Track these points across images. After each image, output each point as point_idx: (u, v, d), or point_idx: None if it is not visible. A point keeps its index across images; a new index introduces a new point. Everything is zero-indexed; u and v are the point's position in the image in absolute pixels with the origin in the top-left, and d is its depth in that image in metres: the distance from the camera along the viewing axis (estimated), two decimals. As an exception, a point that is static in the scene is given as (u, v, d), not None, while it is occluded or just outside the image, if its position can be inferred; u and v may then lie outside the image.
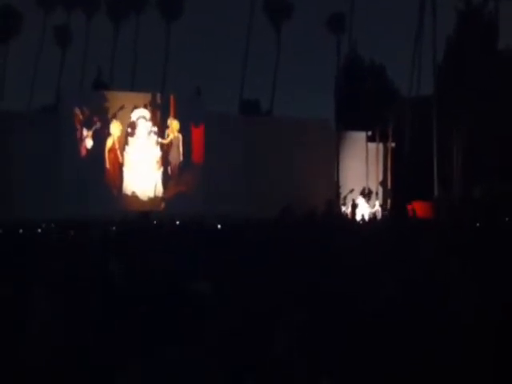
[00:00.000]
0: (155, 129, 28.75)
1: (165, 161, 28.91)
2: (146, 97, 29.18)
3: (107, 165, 27.90)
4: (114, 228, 16.82)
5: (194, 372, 3.04)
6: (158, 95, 29.78)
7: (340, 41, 35.76)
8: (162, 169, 28.83)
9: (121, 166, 28.12)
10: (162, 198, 28.47)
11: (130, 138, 28.29)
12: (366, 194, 31.14)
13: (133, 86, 35.31)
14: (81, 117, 27.71)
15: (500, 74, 31.79)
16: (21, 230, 15.32)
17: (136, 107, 28.40)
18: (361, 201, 29.89)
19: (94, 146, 27.74)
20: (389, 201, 31.82)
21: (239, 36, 46.17)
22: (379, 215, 28.88)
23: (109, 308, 5.57)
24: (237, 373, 3.64)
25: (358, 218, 26.85)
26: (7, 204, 24.58)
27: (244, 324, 4.90)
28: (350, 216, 28.02)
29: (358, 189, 31.60)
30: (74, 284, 6.38)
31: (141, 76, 38.73)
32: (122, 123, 28.16)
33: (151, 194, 28.49)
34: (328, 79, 37.63)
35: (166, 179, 28.86)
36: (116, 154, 28.04)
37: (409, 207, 27.72)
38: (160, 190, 28.69)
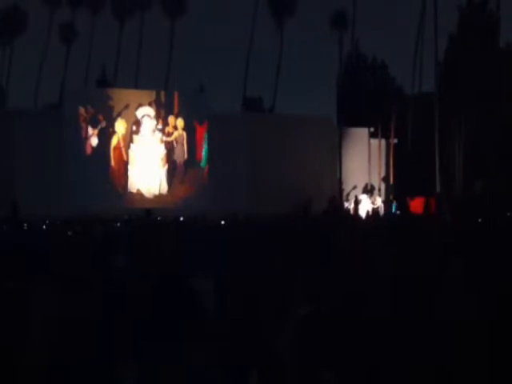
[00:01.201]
0: (160, 127, 28.96)
1: (169, 158, 29.16)
2: (150, 95, 29.33)
3: (112, 163, 28.10)
4: (118, 224, 17.01)
5: (197, 367, 3.08)
6: (162, 93, 29.94)
7: (342, 38, 35.93)
8: (166, 166, 29.05)
9: (126, 163, 28.29)
10: (171, 197, 28.57)
11: (134, 136, 28.45)
12: (369, 190, 31.34)
13: (136, 84, 35.52)
14: (85, 115, 27.89)
15: (501, 70, 31.93)
16: (25, 226, 15.50)
17: (141, 105, 28.58)
18: (364, 197, 30.10)
19: (99, 144, 27.96)
20: (391, 197, 31.98)
21: (242, 34, 46.33)
22: (381, 211, 29.09)
23: (111, 304, 5.57)
24: (241, 367, 3.60)
25: (362, 214, 27.07)
26: (11, 201, 24.75)
27: (248, 319, 4.92)
28: (352, 212, 28.23)
29: (361, 184, 31.83)
30: (78, 281, 6.46)
31: (144, 74, 38.96)
32: (126, 121, 28.35)
33: (156, 192, 28.68)
34: (330, 76, 37.81)
35: (171, 177, 29.11)
36: (121, 152, 28.23)
37: (412, 203, 27.91)
38: (165, 188, 28.88)
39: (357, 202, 29.12)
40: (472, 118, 31.85)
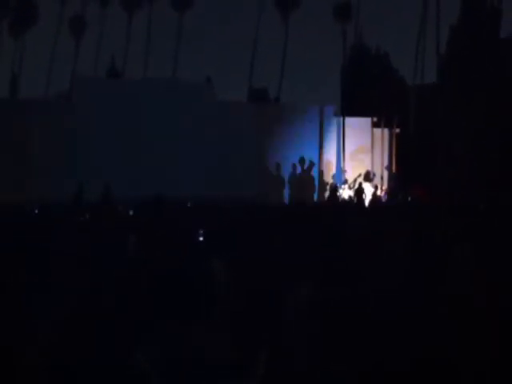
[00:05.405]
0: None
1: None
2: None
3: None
4: (131, 210, 17.58)
5: (206, 347, 3.17)
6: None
7: (346, 29, 36.48)
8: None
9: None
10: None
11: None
12: (371, 179, 31.93)
13: (145, 75, 36.25)
14: (96, 104, 28.52)
15: (502, 61, 32.40)
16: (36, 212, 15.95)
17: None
18: (366, 185, 30.70)
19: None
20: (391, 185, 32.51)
21: (248, 25, 46.88)
22: (384, 198, 29.71)
23: (125, 285, 5.78)
24: (250, 348, 3.56)
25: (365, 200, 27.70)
26: (23, 189, 25.33)
27: (257, 301, 5.06)
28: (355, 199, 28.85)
29: (364, 173, 32.38)
30: (93, 263, 6.73)
31: (152, 65, 39.61)
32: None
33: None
34: (334, 67, 38.39)
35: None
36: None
37: (419, 192, 28.43)
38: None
39: (360, 190, 29.67)
40: (473, 109, 32.32)
